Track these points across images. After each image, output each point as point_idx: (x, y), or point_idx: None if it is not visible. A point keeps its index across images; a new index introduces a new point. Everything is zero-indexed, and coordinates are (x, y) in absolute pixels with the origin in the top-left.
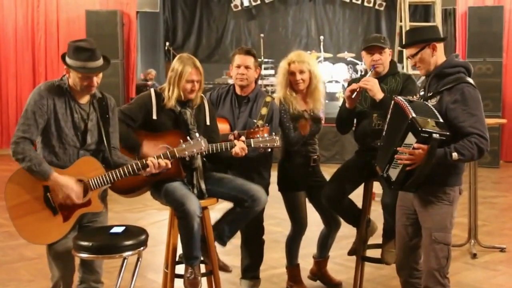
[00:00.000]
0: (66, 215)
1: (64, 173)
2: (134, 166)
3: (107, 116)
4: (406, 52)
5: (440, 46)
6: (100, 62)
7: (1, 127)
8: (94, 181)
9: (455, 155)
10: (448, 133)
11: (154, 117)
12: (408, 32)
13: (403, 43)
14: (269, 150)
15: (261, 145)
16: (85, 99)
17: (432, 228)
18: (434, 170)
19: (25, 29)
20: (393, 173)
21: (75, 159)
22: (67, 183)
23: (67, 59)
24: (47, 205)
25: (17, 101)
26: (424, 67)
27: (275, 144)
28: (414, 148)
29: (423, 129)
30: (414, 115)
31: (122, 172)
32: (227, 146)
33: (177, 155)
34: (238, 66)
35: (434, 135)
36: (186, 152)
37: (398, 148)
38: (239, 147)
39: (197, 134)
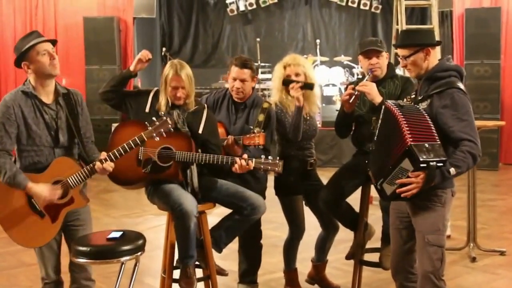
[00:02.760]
0: (53, 215)
1: (40, 178)
2: (89, 169)
3: (76, 112)
4: (398, 52)
5: (433, 51)
6: None
7: None
8: (72, 179)
9: (452, 170)
10: (445, 159)
11: (147, 110)
12: (403, 32)
13: (397, 42)
14: (268, 173)
15: (262, 166)
16: (50, 98)
17: (424, 230)
18: None
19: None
20: (388, 189)
21: (52, 159)
22: (40, 192)
23: (18, 52)
24: (33, 210)
25: None
26: (414, 70)
27: (277, 169)
28: (410, 177)
29: (421, 159)
30: (411, 140)
31: (87, 171)
32: (228, 160)
33: (146, 138)
34: (234, 79)
35: (432, 163)
36: (154, 134)
37: (397, 181)
38: (241, 167)
39: (161, 113)
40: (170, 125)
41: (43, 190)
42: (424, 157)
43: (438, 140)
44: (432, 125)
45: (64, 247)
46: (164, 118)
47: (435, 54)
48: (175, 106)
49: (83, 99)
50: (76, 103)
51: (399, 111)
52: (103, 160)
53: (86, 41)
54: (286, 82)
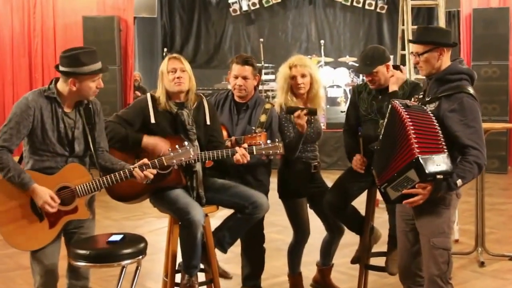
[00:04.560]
0: (53, 221)
1: (48, 180)
2: (122, 174)
3: (93, 121)
4: (412, 48)
5: (448, 53)
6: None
7: None
8: (80, 188)
9: (459, 182)
10: (451, 171)
11: (153, 121)
12: (421, 28)
13: (413, 38)
14: (272, 157)
15: (264, 152)
16: (70, 107)
17: (430, 234)
18: None
19: (21, 35)
20: (391, 194)
21: (63, 166)
22: (41, 194)
23: (77, 69)
24: (34, 211)
25: None
26: (426, 69)
27: (278, 151)
28: (417, 187)
29: (428, 172)
30: (418, 152)
31: (109, 180)
32: (228, 153)
33: (165, 164)
34: (236, 77)
35: (438, 176)
36: (174, 161)
37: (403, 191)
38: (240, 154)
39: (186, 143)
40: (191, 157)
41: (44, 193)
42: (432, 170)
43: (445, 150)
44: (439, 132)
45: (63, 250)
46: (188, 147)
47: (449, 56)
48: (179, 104)
49: (101, 108)
50: (94, 113)
51: (406, 112)
52: (144, 167)
53: (86, 41)
54: (291, 111)
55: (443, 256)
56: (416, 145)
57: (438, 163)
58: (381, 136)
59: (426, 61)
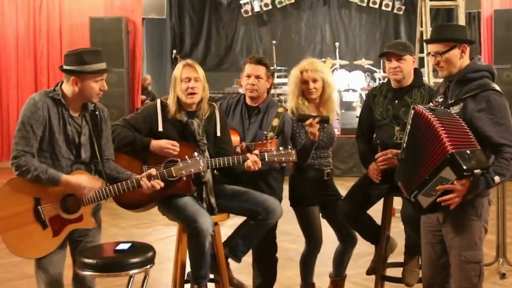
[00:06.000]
0: (56, 229)
1: (52, 187)
2: (129, 184)
3: (100, 128)
4: (431, 49)
5: (468, 50)
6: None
7: (1, 139)
8: (87, 196)
9: (497, 178)
10: (488, 165)
11: (160, 129)
12: (437, 26)
13: (431, 37)
14: (284, 164)
15: (276, 159)
16: (77, 112)
17: (460, 247)
18: None
19: (26, 37)
20: (424, 201)
21: (69, 171)
22: (79, 182)
23: (79, 67)
24: (37, 218)
25: (18, 111)
26: (447, 69)
27: (291, 158)
28: (454, 184)
29: (465, 167)
30: (451, 147)
31: (116, 189)
32: (239, 160)
33: (174, 175)
34: (248, 76)
35: (477, 171)
36: (183, 172)
37: (438, 187)
38: (252, 161)
39: (195, 153)
40: (201, 168)
41: (82, 180)
42: (468, 164)
43: (478, 146)
44: (469, 130)
45: (68, 259)
46: (197, 158)
47: (468, 53)
48: (190, 112)
49: (108, 115)
50: (101, 120)
51: (432, 115)
52: (153, 177)
53: (93, 43)
54: (302, 119)
55: (475, 270)
56: (448, 142)
57: (473, 157)
58: (404, 144)
59: (448, 61)
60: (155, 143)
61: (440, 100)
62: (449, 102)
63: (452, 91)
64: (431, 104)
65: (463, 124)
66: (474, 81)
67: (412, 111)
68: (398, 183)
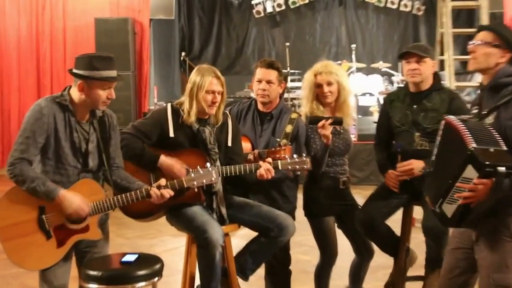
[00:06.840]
0: (61, 240)
1: None
2: (138, 194)
3: (108, 135)
4: (478, 35)
5: (507, 59)
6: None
7: (2, 145)
8: (93, 206)
9: None
10: None
11: (171, 134)
12: (499, 22)
13: (490, 25)
14: (298, 172)
15: (290, 167)
16: (85, 118)
17: (490, 268)
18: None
19: (29, 38)
20: (448, 209)
21: (75, 180)
22: (72, 200)
23: (88, 72)
24: (41, 228)
25: (19, 116)
26: (479, 62)
27: (306, 166)
28: (475, 183)
29: (487, 163)
30: (474, 145)
31: (124, 199)
32: (251, 168)
33: (185, 185)
34: (259, 81)
35: (500, 168)
36: (195, 183)
37: (457, 185)
38: (265, 169)
39: (208, 164)
40: (213, 179)
41: (75, 199)
42: (489, 159)
43: (504, 147)
44: (499, 137)
45: (73, 270)
46: (210, 169)
47: (506, 63)
48: (202, 120)
49: (117, 122)
50: (109, 127)
51: (463, 126)
52: (163, 187)
53: (98, 44)
54: (314, 121)
55: None
56: (470, 139)
57: (497, 155)
58: (433, 157)
59: (486, 54)
60: (164, 162)
61: (476, 111)
62: (483, 113)
63: (487, 100)
64: (463, 116)
65: (495, 134)
66: (507, 86)
67: (443, 122)
68: (426, 198)
